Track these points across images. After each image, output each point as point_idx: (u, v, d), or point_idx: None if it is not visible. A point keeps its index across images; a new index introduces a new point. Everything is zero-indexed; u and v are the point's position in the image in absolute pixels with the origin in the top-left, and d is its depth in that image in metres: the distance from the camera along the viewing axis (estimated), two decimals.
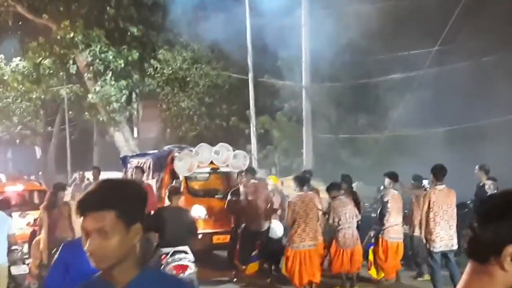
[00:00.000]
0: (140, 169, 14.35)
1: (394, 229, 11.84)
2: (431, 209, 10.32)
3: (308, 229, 10.91)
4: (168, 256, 9.05)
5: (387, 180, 12.07)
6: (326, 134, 28.54)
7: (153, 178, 14.79)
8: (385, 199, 11.88)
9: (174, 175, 14.11)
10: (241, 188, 12.88)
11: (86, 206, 2.31)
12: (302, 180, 11.56)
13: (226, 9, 26.55)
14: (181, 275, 8.82)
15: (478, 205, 1.89)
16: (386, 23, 24.32)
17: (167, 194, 9.77)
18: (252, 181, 12.89)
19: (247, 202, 12.57)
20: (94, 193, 2.33)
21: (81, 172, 18.87)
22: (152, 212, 10.15)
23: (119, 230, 2.29)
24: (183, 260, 9.07)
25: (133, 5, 27.06)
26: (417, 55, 24.63)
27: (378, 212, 12.15)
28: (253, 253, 12.54)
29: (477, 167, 12.56)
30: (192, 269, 9.12)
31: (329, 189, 11.77)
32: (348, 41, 25.24)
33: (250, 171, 13.37)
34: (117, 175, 20.96)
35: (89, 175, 25.76)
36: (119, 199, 2.32)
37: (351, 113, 28.86)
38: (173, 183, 12.77)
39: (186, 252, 9.17)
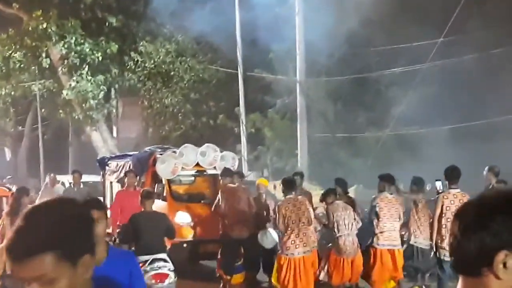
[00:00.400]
0: (133, 173, 13.58)
1: (384, 236, 11.81)
2: (443, 215, 10.32)
3: (302, 235, 10.90)
4: (147, 264, 9.12)
5: (381, 183, 12.03)
6: (322, 133, 28.57)
7: None
8: (374, 203, 11.84)
9: (156, 179, 14.09)
10: (219, 193, 12.88)
11: (17, 252, 1.97)
12: (291, 183, 11.53)
13: None
14: (160, 284, 9.00)
15: (457, 213, 1.88)
16: (388, 12, 24.38)
17: (140, 199, 9.80)
18: (230, 185, 12.85)
19: (226, 208, 12.54)
20: (24, 235, 1.98)
21: (52, 175, 18.68)
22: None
23: (64, 272, 2.00)
24: (162, 268, 9.18)
25: None
26: (421, 47, 24.70)
27: (368, 217, 12.19)
28: (238, 263, 12.53)
29: (486, 168, 12.57)
30: (172, 278, 9.24)
31: (325, 196, 11.81)
32: (346, 31, 25.28)
33: (227, 173, 13.22)
34: (94, 178, 20.94)
35: (63, 178, 25.72)
36: (58, 235, 1.99)
37: (349, 110, 28.90)
38: (155, 187, 12.77)
39: (165, 260, 9.30)
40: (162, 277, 9.15)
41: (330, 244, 11.87)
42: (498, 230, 1.77)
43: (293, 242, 10.90)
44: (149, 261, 9.15)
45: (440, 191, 11.31)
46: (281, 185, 11.75)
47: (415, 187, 12.58)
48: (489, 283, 1.78)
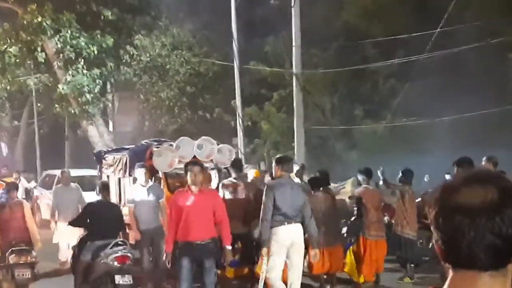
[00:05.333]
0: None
1: (374, 226, 11.92)
2: None
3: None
4: (109, 247, 10.06)
5: (360, 177, 12.33)
6: (319, 125, 28.49)
7: (130, 175, 14.64)
8: (358, 196, 12.09)
9: (153, 172, 13.98)
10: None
11: None
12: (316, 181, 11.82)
13: None
14: (122, 265, 9.95)
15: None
16: (384, 3, 24.31)
17: (97, 188, 11.17)
18: (226, 181, 12.81)
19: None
20: None
21: (66, 170, 17.50)
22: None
23: None
24: (122, 251, 10.07)
25: None
26: (418, 38, 24.57)
27: (356, 209, 12.30)
28: (234, 258, 12.42)
29: (484, 158, 12.45)
30: (131, 260, 10.21)
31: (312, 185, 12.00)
32: (342, 23, 25.18)
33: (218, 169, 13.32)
34: (91, 172, 20.86)
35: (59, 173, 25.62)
36: None
37: (346, 102, 28.84)
38: (152, 180, 12.74)
39: (125, 244, 10.37)
40: (124, 259, 10.02)
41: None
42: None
43: None
44: (111, 245, 10.07)
45: None
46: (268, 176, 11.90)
47: (403, 178, 12.67)
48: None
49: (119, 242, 10.26)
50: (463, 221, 1.66)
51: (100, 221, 10.36)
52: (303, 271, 11.53)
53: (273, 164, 10.35)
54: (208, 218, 9.15)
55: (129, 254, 10.18)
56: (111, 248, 10.07)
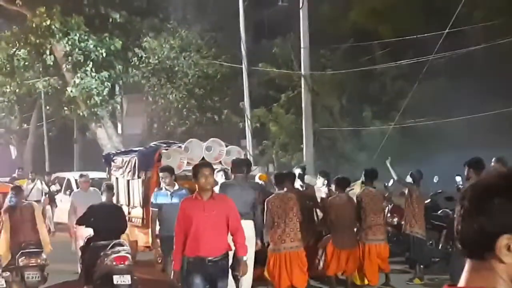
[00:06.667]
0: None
1: (372, 231, 11.90)
2: None
3: (288, 230, 10.92)
4: (108, 248, 10.35)
5: (364, 178, 12.51)
6: (328, 127, 28.46)
7: (139, 177, 14.68)
8: (358, 198, 12.09)
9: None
10: None
11: None
12: (281, 178, 11.73)
13: None
14: (121, 265, 10.17)
15: (459, 197, 1.86)
16: (392, 4, 24.27)
17: (102, 190, 11.61)
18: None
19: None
20: None
21: (85, 174, 17.05)
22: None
23: None
24: (121, 252, 10.35)
25: None
26: (427, 39, 24.53)
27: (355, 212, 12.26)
28: None
29: (494, 159, 12.41)
30: (130, 260, 10.45)
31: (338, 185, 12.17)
32: (351, 24, 25.16)
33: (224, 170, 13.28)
34: (100, 175, 20.89)
35: (69, 175, 25.62)
36: None
37: (355, 104, 28.78)
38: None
39: (124, 245, 10.70)
40: (123, 259, 10.26)
41: (328, 235, 12.06)
42: (496, 214, 1.73)
43: (279, 237, 10.91)
44: (110, 245, 10.37)
45: (461, 186, 11.22)
46: (273, 179, 12.05)
47: (411, 178, 12.74)
48: (494, 266, 1.76)
49: (119, 242, 10.58)
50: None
51: (102, 222, 10.64)
52: (313, 274, 11.60)
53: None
54: (221, 230, 8.05)
55: (127, 255, 10.40)
56: (110, 248, 10.35)
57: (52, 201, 22.24)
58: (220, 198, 8.39)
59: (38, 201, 20.39)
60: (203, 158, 14.23)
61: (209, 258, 7.89)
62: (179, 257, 7.99)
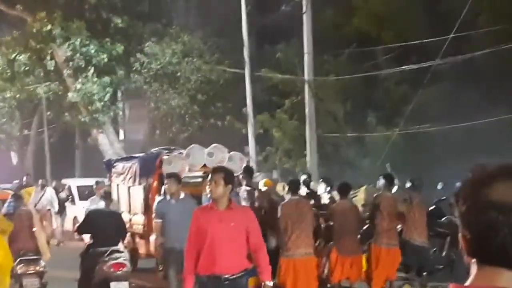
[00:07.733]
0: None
1: (388, 234, 11.87)
2: None
3: (304, 235, 10.82)
4: (106, 254, 10.51)
5: (381, 182, 12.26)
6: (331, 133, 28.41)
7: (140, 183, 14.64)
8: (376, 202, 12.02)
9: (163, 180, 13.95)
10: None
11: None
12: (295, 185, 11.66)
13: None
14: (119, 272, 10.33)
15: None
16: (396, 9, 24.23)
17: (100, 197, 12.05)
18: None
19: None
20: None
21: (100, 181, 17.12)
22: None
23: None
24: (119, 258, 10.53)
25: None
26: (431, 44, 24.49)
27: (369, 216, 12.25)
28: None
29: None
30: (127, 267, 10.64)
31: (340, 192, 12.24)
32: (354, 29, 25.12)
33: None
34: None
35: (70, 182, 25.55)
36: None
37: (359, 109, 28.73)
38: (162, 189, 12.70)
39: (122, 251, 10.93)
40: (120, 266, 10.44)
41: (332, 242, 11.98)
42: None
43: (293, 242, 10.81)
44: (108, 252, 10.53)
45: None
46: (287, 186, 11.88)
47: (411, 185, 12.75)
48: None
49: (116, 249, 10.77)
50: (497, 217, 1.64)
51: (101, 229, 10.76)
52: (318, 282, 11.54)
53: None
54: (240, 244, 6.99)
55: (125, 262, 10.63)
56: (108, 255, 10.53)
57: (61, 209, 22.05)
58: (239, 208, 7.53)
59: (48, 210, 20.33)
60: (204, 165, 14.21)
61: (226, 276, 6.86)
62: (191, 277, 6.97)
